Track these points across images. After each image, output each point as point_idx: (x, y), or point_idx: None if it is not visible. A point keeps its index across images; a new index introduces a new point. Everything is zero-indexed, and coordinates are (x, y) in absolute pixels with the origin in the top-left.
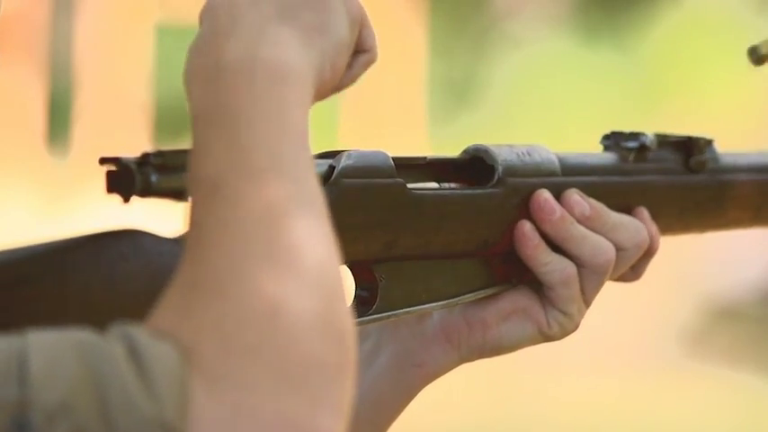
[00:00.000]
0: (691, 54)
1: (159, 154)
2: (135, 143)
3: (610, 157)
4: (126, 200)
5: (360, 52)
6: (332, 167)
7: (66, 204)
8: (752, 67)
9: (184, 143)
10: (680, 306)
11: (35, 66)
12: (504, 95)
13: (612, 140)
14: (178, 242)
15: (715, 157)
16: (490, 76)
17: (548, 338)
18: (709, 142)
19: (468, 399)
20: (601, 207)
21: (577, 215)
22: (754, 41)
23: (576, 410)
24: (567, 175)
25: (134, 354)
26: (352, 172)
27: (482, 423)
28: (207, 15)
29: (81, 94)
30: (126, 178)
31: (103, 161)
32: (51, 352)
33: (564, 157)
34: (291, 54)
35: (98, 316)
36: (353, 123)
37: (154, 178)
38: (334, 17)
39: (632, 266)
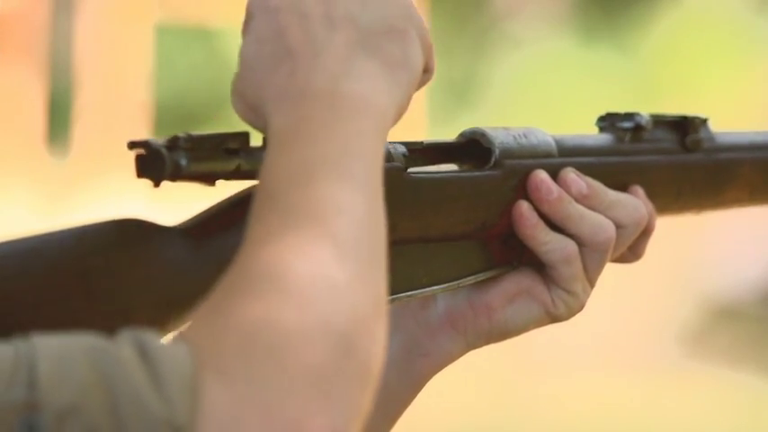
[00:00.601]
0: (690, 54)
1: (189, 138)
2: None
3: (606, 138)
4: (157, 184)
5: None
6: None
7: (65, 204)
8: (750, 66)
9: None
10: (680, 306)
11: (35, 66)
12: (504, 95)
13: (608, 121)
14: (179, 232)
15: (710, 137)
16: (490, 76)
17: (555, 319)
18: (704, 121)
19: (467, 398)
20: (598, 185)
21: (575, 194)
22: (754, 41)
23: (576, 410)
24: (563, 157)
25: (145, 356)
26: None
27: (481, 423)
28: (265, 14)
29: (81, 94)
30: (156, 162)
31: (133, 145)
32: (60, 355)
33: (560, 138)
34: (376, 91)
35: (99, 304)
36: None
37: (183, 162)
38: (413, 49)
39: (631, 246)
